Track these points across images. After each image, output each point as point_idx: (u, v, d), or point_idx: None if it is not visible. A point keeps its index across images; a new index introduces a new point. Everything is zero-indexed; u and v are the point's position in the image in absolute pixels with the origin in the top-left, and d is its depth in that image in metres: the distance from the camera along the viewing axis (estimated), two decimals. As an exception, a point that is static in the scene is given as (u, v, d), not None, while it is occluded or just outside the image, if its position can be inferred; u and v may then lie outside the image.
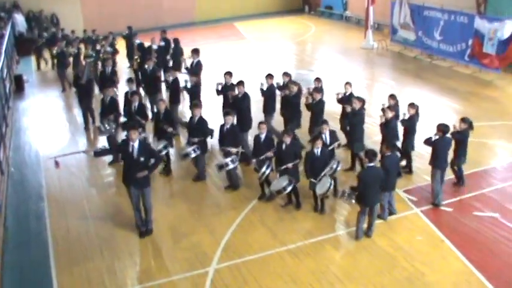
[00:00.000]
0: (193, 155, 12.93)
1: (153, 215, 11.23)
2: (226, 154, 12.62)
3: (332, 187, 11.47)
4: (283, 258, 10.17)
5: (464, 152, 12.23)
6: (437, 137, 11.60)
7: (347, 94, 14.34)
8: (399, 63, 24.14)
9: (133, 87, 16.10)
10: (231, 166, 12.35)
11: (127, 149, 10.64)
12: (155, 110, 15.90)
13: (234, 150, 12.52)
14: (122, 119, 14.67)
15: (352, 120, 13.21)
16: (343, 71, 22.86)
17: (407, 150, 13.09)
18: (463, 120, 12.07)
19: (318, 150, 11.51)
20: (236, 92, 14.40)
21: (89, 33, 25.78)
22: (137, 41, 22.49)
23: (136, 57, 21.23)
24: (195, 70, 18.33)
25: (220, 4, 36.71)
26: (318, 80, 15.15)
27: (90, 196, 13.06)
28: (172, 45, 21.59)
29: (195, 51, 18.62)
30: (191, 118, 13.25)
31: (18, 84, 22.57)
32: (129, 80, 16.29)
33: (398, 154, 12.04)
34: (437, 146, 11.63)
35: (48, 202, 12.83)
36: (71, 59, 22.47)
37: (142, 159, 10.60)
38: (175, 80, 16.69)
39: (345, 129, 14.02)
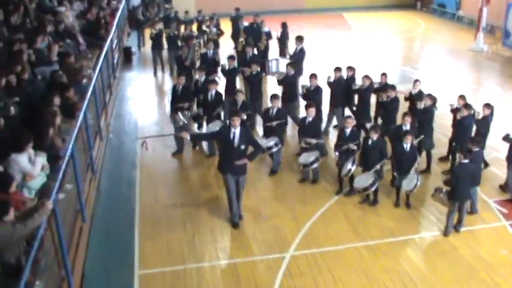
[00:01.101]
0: (274, 150, 12.83)
1: (243, 206, 11.26)
2: (306, 147, 12.62)
3: (419, 183, 11.32)
4: (360, 253, 10.12)
5: None
6: None
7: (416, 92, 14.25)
8: (508, 69, 23.12)
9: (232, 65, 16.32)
10: (274, 149, 12.70)
11: (228, 136, 10.51)
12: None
13: (313, 141, 12.50)
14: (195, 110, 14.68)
15: (422, 117, 12.98)
16: (449, 72, 22.24)
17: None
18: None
19: (407, 146, 11.36)
20: (309, 84, 14.57)
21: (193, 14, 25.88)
22: (245, 24, 22.62)
23: (241, 39, 21.51)
24: (298, 57, 18.42)
25: (331, -7, 36.55)
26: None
27: (180, 170, 13.45)
28: (281, 29, 21.71)
29: (299, 38, 18.65)
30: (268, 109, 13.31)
31: (127, 56, 23.54)
32: (231, 57, 16.52)
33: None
34: None
35: (140, 170, 13.37)
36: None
37: (243, 147, 10.50)
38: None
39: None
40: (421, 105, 13.21)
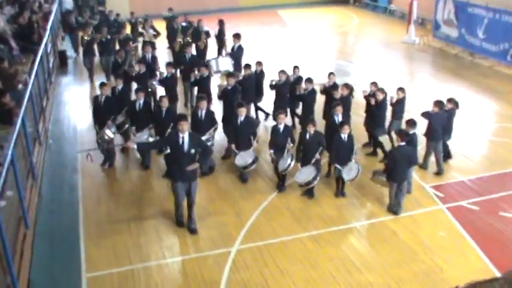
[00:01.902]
0: (253, 167, 12.43)
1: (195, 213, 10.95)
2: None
3: (360, 172, 11.67)
4: (304, 243, 10.37)
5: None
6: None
7: (330, 84, 14.59)
8: (439, 60, 23.96)
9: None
10: (252, 167, 12.39)
11: (176, 141, 10.19)
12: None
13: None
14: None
15: (375, 108, 13.40)
16: (383, 64, 22.86)
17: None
18: (450, 100, 13.25)
19: (345, 136, 11.68)
20: (303, 87, 14.52)
21: (124, 16, 25.28)
22: (183, 24, 22.47)
23: (179, 39, 21.45)
24: (237, 55, 18.57)
25: (265, -10, 36.89)
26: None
27: (123, 173, 13.41)
28: (218, 27, 21.80)
29: (237, 36, 18.84)
30: (236, 117, 12.60)
31: (62, 60, 23.14)
32: (169, 64, 16.13)
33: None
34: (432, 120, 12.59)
35: (82, 175, 13.26)
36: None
37: (192, 151, 10.21)
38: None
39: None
40: (337, 94, 13.76)
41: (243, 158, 12.27)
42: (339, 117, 12.46)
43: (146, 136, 12.79)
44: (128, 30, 23.25)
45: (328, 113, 13.86)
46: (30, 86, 12.75)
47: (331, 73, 14.89)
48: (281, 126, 12.09)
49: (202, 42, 21.06)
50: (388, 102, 13.58)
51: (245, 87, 14.87)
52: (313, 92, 14.33)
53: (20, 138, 10.91)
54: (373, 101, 13.40)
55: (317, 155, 11.74)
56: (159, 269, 9.72)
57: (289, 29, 30.95)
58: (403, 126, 12.41)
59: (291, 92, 14.99)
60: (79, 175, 13.30)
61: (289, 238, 10.57)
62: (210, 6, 33.63)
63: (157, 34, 22.79)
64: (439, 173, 13.00)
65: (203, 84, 15.58)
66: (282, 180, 12.37)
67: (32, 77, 13.64)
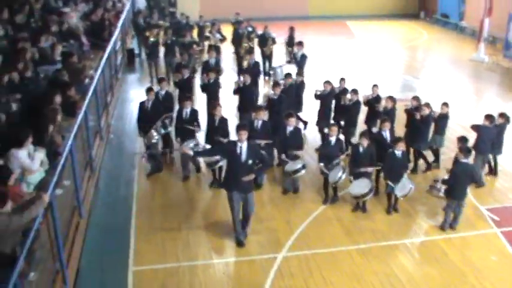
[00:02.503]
0: (303, 172, 12.21)
1: (250, 226, 10.77)
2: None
3: (413, 188, 11.46)
4: (352, 256, 10.27)
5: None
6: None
7: (374, 96, 14.33)
8: (508, 80, 23.22)
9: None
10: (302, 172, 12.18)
11: (234, 151, 9.98)
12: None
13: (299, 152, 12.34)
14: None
15: (420, 123, 13.21)
16: (449, 81, 22.39)
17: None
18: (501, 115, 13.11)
19: (399, 153, 11.49)
20: (349, 97, 14.34)
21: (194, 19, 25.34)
22: (249, 29, 22.60)
23: (245, 44, 21.67)
24: (300, 63, 18.59)
25: (334, 1, 36.73)
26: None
27: (179, 172, 13.55)
28: (288, 33, 21.82)
29: (300, 44, 18.90)
30: (284, 127, 12.38)
31: (130, 58, 23.72)
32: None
33: None
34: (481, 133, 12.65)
35: (138, 170, 13.51)
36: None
37: (250, 162, 10.02)
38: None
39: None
40: (380, 107, 13.65)
41: (291, 165, 12.13)
42: (386, 133, 12.28)
43: (192, 144, 12.31)
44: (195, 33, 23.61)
45: (369, 125, 13.92)
46: (95, 81, 13.16)
47: (374, 85, 14.62)
48: (333, 139, 11.94)
49: (268, 48, 21.24)
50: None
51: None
52: (357, 103, 14.19)
53: (81, 130, 11.29)
54: (418, 115, 13.18)
55: (369, 169, 11.65)
56: (205, 269, 9.82)
57: (356, 40, 30.77)
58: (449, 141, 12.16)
59: (335, 104, 14.81)
60: (136, 171, 13.55)
61: (337, 249, 10.49)
62: (279, 13, 33.76)
63: (223, 39, 22.90)
64: (481, 185, 12.83)
65: (247, 92, 15.26)
66: (334, 192, 12.22)
67: (98, 72, 14.06)
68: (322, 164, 11.95)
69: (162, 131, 13.19)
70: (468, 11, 32.52)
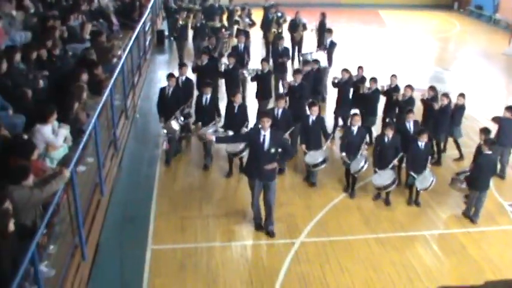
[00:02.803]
0: (323, 166, 12.07)
1: (274, 214, 10.54)
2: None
3: (434, 181, 11.38)
4: (369, 245, 10.26)
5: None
6: None
7: (392, 86, 14.24)
8: (540, 75, 22.89)
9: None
10: (322, 166, 12.04)
11: (257, 139, 9.86)
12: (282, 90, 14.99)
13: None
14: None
15: (439, 113, 13.16)
16: (479, 74, 22.09)
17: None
18: None
19: (422, 144, 11.41)
20: (367, 86, 14.24)
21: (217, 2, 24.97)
22: (279, 14, 22.32)
23: (274, 30, 21.61)
24: (329, 50, 18.48)
25: (368, -11, 36.49)
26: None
27: (202, 154, 13.58)
28: (320, 19, 21.65)
29: (329, 31, 18.82)
30: (307, 116, 12.28)
31: (159, 39, 23.83)
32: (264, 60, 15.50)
33: None
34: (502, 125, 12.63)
35: (162, 151, 13.60)
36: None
37: (273, 150, 9.85)
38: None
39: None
40: (399, 96, 13.64)
41: (312, 157, 11.96)
42: (410, 124, 12.20)
43: (211, 130, 12.25)
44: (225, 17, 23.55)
45: (387, 115, 13.97)
46: (122, 60, 13.27)
47: (393, 75, 14.52)
48: (355, 128, 11.84)
49: (298, 33, 21.17)
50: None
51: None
52: (377, 92, 14.10)
53: (106, 109, 11.42)
54: (436, 106, 13.13)
55: (395, 161, 11.59)
56: (222, 251, 9.91)
57: (388, 29, 30.50)
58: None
59: (354, 92, 14.71)
60: (159, 151, 13.66)
61: (355, 237, 10.49)
62: (312, 0, 33.55)
63: (252, 23, 22.53)
64: (502, 177, 12.89)
65: (264, 79, 15.17)
66: (352, 184, 12.10)
67: (126, 52, 14.17)
68: (344, 154, 11.88)
69: (182, 121, 13.08)
70: (503, 3, 31.94)
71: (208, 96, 12.77)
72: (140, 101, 16.52)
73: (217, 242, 10.17)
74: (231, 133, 12.15)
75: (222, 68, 15.63)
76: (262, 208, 10.51)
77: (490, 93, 19.02)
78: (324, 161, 11.92)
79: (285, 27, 22.13)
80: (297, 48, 21.55)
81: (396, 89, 14.12)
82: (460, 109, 13.47)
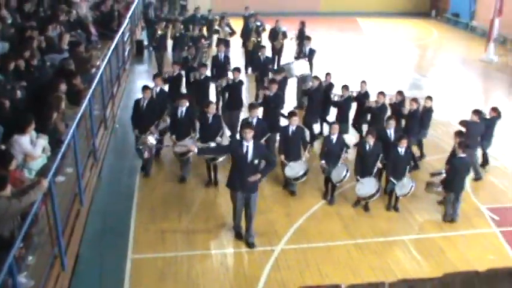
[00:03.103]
0: (304, 179, 12.01)
1: (254, 225, 10.46)
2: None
3: (414, 187, 11.52)
4: (349, 251, 10.34)
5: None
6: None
7: (362, 92, 14.47)
8: (517, 81, 23.21)
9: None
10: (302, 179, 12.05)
11: (240, 150, 9.75)
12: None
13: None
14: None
15: (408, 117, 13.47)
16: (457, 81, 22.37)
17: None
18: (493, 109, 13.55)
19: (402, 150, 11.52)
20: (340, 93, 14.42)
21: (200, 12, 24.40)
22: (258, 23, 22.35)
23: (253, 39, 21.70)
24: (309, 57, 18.56)
25: (346, -3, 36.75)
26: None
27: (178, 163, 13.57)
28: (299, 27, 21.96)
29: (308, 38, 18.99)
30: (287, 126, 12.15)
31: (139, 49, 23.80)
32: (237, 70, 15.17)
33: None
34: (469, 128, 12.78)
35: (142, 161, 13.58)
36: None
37: (256, 161, 9.77)
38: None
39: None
40: (369, 103, 13.90)
41: (293, 169, 11.92)
42: (391, 131, 12.27)
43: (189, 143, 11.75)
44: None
45: (358, 121, 14.29)
46: (101, 70, 13.27)
47: (363, 81, 14.72)
48: (334, 137, 11.88)
49: (279, 42, 21.30)
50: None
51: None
52: (349, 99, 14.28)
53: (85, 119, 11.40)
54: (405, 111, 13.41)
55: (378, 164, 11.64)
56: (203, 259, 9.93)
57: (366, 37, 30.73)
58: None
59: (324, 99, 14.80)
60: (139, 161, 13.63)
61: (334, 244, 10.57)
62: (290, 9, 33.70)
63: (232, 32, 22.60)
64: (477, 178, 13.22)
65: (235, 89, 14.91)
66: (331, 191, 12.13)
67: (105, 62, 14.16)
68: (323, 162, 11.90)
69: (158, 137, 12.81)
70: (479, 11, 32.30)
71: (184, 108, 12.43)
72: (119, 111, 16.48)
73: (197, 251, 10.18)
74: (213, 144, 11.97)
75: (191, 78, 15.16)
76: (243, 219, 10.52)
77: (467, 99, 19.23)
78: (304, 174, 11.89)
79: (265, 36, 22.25)
80: (277, 56, 21.66)
81: (366, 95, 14.35)
82: (427, 112, 13.75)
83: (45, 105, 10.10)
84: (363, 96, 14.31)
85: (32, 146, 8.92)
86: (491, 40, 25.74)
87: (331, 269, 9.72)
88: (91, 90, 11.82)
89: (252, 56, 20.39)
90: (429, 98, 13.85)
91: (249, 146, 9.70)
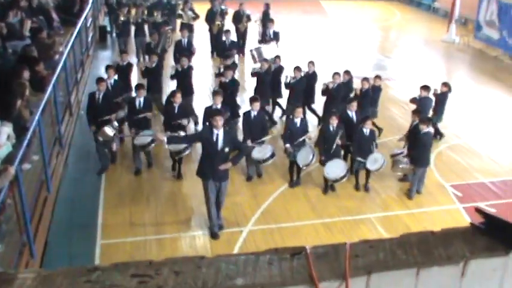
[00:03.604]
0: (271, 161, 12.00)
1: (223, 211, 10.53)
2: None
3: (385, 163, 11.76)
4: (317, 230, 10.53)
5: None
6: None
7: (310, 72, 14.73)
8: (478, 61, 23.66)
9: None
10: (269, 161, 12.03)
11: (210, 138, 9.60)
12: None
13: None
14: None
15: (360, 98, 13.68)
16: (420, 61, 22.70)
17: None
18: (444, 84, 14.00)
19: (367, 130, 11.72)
20: (292, 75, 14.40)
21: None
22: (222, 7, 22.32)
23: (218, 22, 21.62)
24: (275, 39, 18.61)
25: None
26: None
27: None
28: (264, 9, 21.98)
29: (271, 21, 19.05)
30: (249, 112, 12.13)
31: (102, 35, 23.56)
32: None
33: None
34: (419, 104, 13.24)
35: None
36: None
37: (227, 149, 9.65)
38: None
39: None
40: (329, 84, 13.98)
41: (260, 152, 11.88)
42: (353, 113, 12.42)
43: (151, 133, 11.92)
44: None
45: (307, 102, 14.60)
46: (64, 57, 13.13)
47: (310, 62, 14.93)
48: (297, 120, 11.90)
49: (243, 25, 21.29)
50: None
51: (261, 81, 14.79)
52: (301, 81, 14.34)
53: (50, 106, 11.30)
54: (358, 90, 13.87)
55: (337, 140, 11.59)
56: (172, 242, 10.03)
57: (330, 19, 30.88)
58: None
59: (273, 81, 15.00)
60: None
61: (302, 223, 10.74)
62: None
63: (196, 16, 22.28)
64: None
65: (185, 76, 14.75)
66: (297, 173, 12.19)
67: (68, 48, 14.01)
68: (288, 145, 11.83)
69: (117, 126, 12.43)
70: (441, -8, 32.73)
71: (142, 99, 12.25)
72: (84, 97, 16.31)
73: (166, 234, 10.26)
74: (182, 134, 11.92)
75: (173, 71, 15.05)
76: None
77: (430, 79, 19.51)
78: (272, 155, 11.89)
79: (229, 18, 22.21)
80: (241, 40, 21.65)
81: (314, 75, 14.62)
82: (377, 90, 14.12)
83: (9, 92, 10.00)
84: (311, 77, 14.51)
85: (-4, 133, 8.85)
86: (452, 21, 26.13)
87: (299, 248, 9.85)
88: (55, 77, 11.69)
89: (216, 40, 20.40)
90: (378, 76, 14.27)
91: (219, 134, 9.56)
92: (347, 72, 14.39)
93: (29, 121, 9.77)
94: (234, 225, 10.53)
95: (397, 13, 33.32)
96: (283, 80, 14.83)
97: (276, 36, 18.80)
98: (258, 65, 15.06)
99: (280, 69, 15.16)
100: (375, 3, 35.68)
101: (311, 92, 14.74)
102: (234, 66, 15.18)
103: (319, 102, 14.82)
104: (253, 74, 15.12)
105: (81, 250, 9.66)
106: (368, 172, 11.94)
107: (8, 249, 7.83)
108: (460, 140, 14.68)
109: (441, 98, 13.82)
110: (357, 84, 14.39)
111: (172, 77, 15.10)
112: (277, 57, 15.47)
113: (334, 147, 11.65)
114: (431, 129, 11.73)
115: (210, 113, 11.21)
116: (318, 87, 14.76)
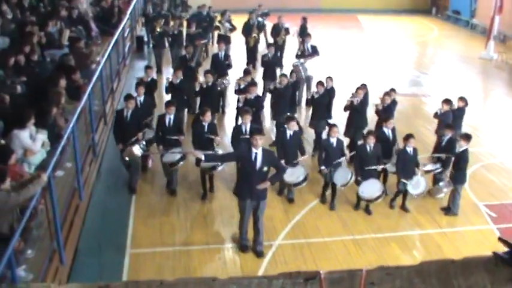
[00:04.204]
0: (304, 185, 11.65)
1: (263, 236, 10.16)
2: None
3: (426, 189, 11.60)
4: (346, 246, 10.40)
5: None
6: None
7: (328, 88, 14.32)
8: (515, 79, 23.25)
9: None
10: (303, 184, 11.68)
11: (249, 157, 9.35)
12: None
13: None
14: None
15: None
16: (457, 78, 22.38)
17: None
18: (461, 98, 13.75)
19: (410, 149, 11.48)
20: (315, 90, 14.20)
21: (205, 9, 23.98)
22: (259, 19, 22.32)
23: (254, 35, 21.67)
24: (314, 53, 18.56)
25: (347, -5, 36.74)
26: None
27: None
28: (301, 23, 21.99)
29: (308, 35, 19.00)
30: (284, 131, 11.75)
31: (139, 45, 23.84)
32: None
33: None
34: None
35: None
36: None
37: (265, 169, 9.43)
38: None
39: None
40: (354, 101, 13.63)
41: (292, 175, 11.47)
42: (389, 131, 12.13)
43: (180, 151, 11.65)
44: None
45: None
46: (101, 66, 13.32)
47: (328, 77, 14.70)
48: (334, 140, 11.58)
49: (281, 38, 21.29)
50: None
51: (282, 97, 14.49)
52: (324, 95, 13.95)
53: (85, 115, 11.46)
54: (355, 101, 13.41)
55: (379, 167, 11.53)
56: (200, 254, 9.99)
57: (366, 34, 30.75)
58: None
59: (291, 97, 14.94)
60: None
61: (332, 239, 10.62)
62: (291, 5, 33.70)
63: (233, 28, 22.32)
64: None
65: (208, 93, 14.60)
66: (332, 197, 11.85)
67: (105, 57, 14.21)
68: (324, 168, 11.56)
69: (144, 146, 11.96)
70: (480, 9, 32.25)
71: (172, 116, 11.88)
72: (119, 106, 16.52)
73: (195, 246, 10.25)
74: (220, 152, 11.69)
75: (197, 87, 14.87)
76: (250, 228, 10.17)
77: (466, 96, 19.27)
78: (305, 179, 11.54)
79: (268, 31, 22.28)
80: (279, 52, 21.60)
81: (332, 90, 14.47)
82: (394, 104, 13.83)
83: (45, 100, 10.18)
84: (329, 92, 14.32)
85: (31, 140, 9.01)
86: (491, 38, 25.75)
87: (328, 264, 9.76)
88: (91, 86, 11.88)
89: (254, 53, 20.41)
90: (393, 90, 14.00)
91: (257, 153, 9.33)
92: (364, 86, 14.02)
93: (64, 129, 9.92)
94: (264, 238, 10.43)
95: (435, 29, 33.01)
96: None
97: (314, 51, 18.70)
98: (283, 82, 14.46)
99: (332, 90, 14.69)
100: (412, 19, 35.42)
101: (329, 107, 14.54)
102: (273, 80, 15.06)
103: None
104: (269, 91, 14.91)
105: (111, 259, 9.69)
106: (406, 191, 11.67)
107: (39, 254, 7.93)
108: (496, 159, 14.40)
109: (458, 113, 13.52)
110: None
111: (196, 94, 15.01)
112: (329, 78, 14.82)
113: (372, 167, 11.41)
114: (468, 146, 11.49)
115: (239, 133, 11.20)
116: (336, 103, 14.81)
